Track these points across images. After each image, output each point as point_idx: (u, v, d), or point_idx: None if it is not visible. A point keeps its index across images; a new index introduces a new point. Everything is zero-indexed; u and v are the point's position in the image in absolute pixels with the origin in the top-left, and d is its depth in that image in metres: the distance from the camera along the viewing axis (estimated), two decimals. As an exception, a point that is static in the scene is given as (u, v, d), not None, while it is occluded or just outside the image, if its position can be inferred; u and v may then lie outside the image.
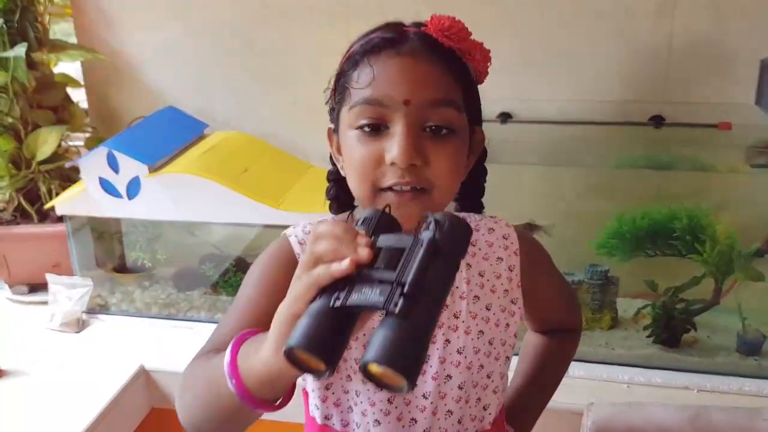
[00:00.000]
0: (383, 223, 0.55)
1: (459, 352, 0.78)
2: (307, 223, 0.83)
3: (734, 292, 1.40)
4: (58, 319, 1.50)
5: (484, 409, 0.82)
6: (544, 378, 0.95)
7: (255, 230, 1.57)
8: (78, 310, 1.51)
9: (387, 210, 0.56)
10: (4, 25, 1.54)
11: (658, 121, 1.51)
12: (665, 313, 1.37)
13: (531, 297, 0.83)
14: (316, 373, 0.51)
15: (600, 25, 1.48)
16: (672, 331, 1.37)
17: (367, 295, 0.49)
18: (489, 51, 0.74)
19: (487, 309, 0.79)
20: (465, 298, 0.79)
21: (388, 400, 0.77)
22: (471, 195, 0.83)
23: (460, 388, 0.79)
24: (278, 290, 0.64)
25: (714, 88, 1.49)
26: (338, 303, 0.50)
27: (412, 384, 0.47)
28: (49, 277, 1.52)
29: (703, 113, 1.48)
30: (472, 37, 0.73)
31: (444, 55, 0.71)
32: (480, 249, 0.80)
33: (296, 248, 0.79)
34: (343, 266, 0.51)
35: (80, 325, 1.51)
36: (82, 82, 1.76)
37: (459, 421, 0.81)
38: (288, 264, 0.77)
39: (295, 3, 1.62)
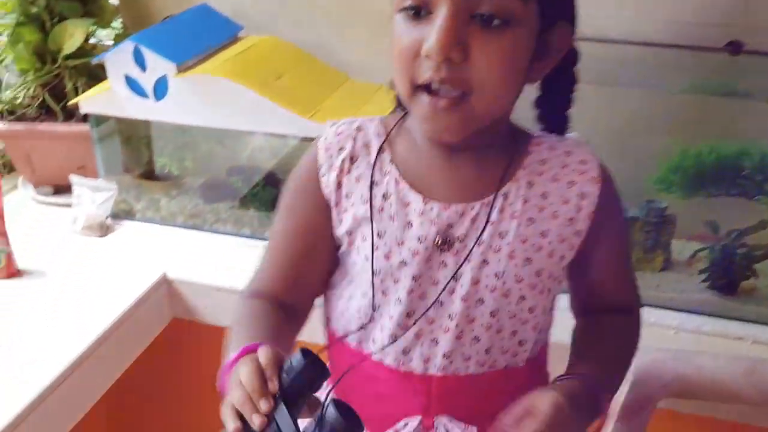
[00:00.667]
0: (305, 377, 0.57)
1: (497, 277, 0.70)
2: (346, 121, 0.75)
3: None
4: (81, 222, 1.45)
5: (520, 344, 0.74)
6: (594, 351, 0.79)
7: (287, 144, 1.49)
8: (102, 214, 1.46)
9: (311, 361, 0.58)
10: None
11: (735, 47, 1.36)
12: (725, 257, 1.26)
13: (591, 247, 0.73)
14: None
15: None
16: (730, 277, 1.27)
17: None
18: None
19: (542, 236, 0.69)
20: (517, 218, 0.69)
21: (407, 314, 0.71)
22: (550, 109, 0.73)
23: (492, 315, 0.71)
24: (304, 217, 0.73)
25: (805, 12, 1.33)
26: None
27: None
28: (74, 179, 1.47)
29: (790, 41, 1.32)
30: None
31: None
32: (550, 168, 0.70)
33: (321, 157, 0.72)
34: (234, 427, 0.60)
35: (104, 230, 1.46)
36: (113, -24, 1.66)
37: (486, 351, 0.73)
38: (310, 181, 0.72)
39: None
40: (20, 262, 1.32)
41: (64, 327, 1.17)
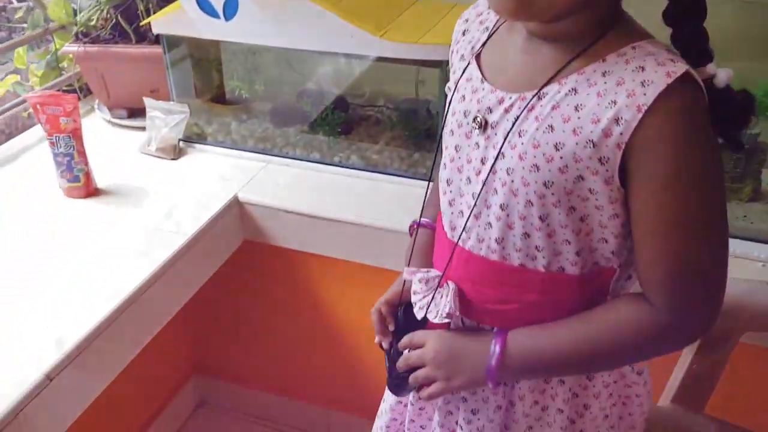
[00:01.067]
0: (404, 327, 0.86)
1: (507, 173, 0.69)
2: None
3: None
4: (154, 144, 1.47)
5: (537, 249, 0.71)
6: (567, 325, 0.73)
7: (358, 67, 1.46)
8: (174, 137, 1.48)
9: (407, 318, 0.86)
10: None
11: None
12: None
13: (631, 193, 0.64)
14: None
15: None
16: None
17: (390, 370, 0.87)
18: None
19: (555, 147, 0.65)
20: (539, 121, 0.66)
21: (447, 181, 0.78)
22: (671, 17, 0.65)
23: (501, 208, 0.71)
24: None
25: None
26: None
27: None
28: (147, 101, 1.49)
29: None
30: None
31: None
32: (607, 81, 0.63)
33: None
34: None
35: (176, 152, 1.48)
36: None
37: (498, 241, 0.73)
38: None
39: None
40: (99, 182, 1.36)
41: (140, 245, 1.20)
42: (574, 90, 0.65)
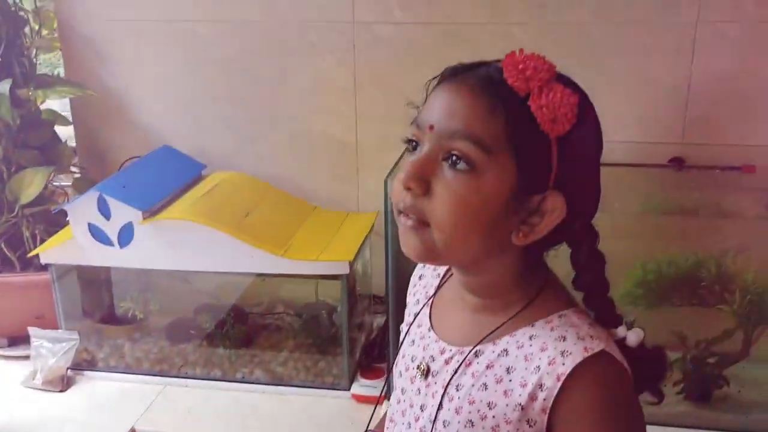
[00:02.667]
0: None
1: (444, 425, 0.71)
2: None
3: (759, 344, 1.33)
4: (40, 377, 1.38)
5: None
6: None
7: (252, 277, 1.48)
8: (63, 366, 1.40)
9: None
10: (-12, 61, 1.45)
11: (678, 163, 1.45)
12: (696, 367, 1.29)
13: None
14: None
15: (618, 64, 1.42)
16: (704, 387, 1.29)
17: None
18: (576, 99, 0.63)
19: (488, 407, 0.68)
20: (475, 377, 0.69)
21: (391, 419, 0.80)
22: (582, 289, 0.70)
23: None
24: None
25: (736, 129, 1.44)
26: None
27: None
28: (32, 331, 1.41)
29: (726, 155, 1.42)
30: (556, 81, 0.64)
31: (498, 92, 0.63)
32: (532, 346, 0.67)
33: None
34: None
35: (65, 383, 1.39)
36: (71, 119, 1.66)
37: None
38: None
39: (296, 38, 1.54)
40: (-24, 428, 1.24)
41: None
42: (506, 351, 0.68)
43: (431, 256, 0.68)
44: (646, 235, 1.43)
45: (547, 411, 0.65)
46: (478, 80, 0.65)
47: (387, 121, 1.54)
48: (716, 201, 1.42)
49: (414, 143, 0.67)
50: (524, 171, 0.64)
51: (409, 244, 0.68)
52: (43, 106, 1.59)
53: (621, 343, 0.69)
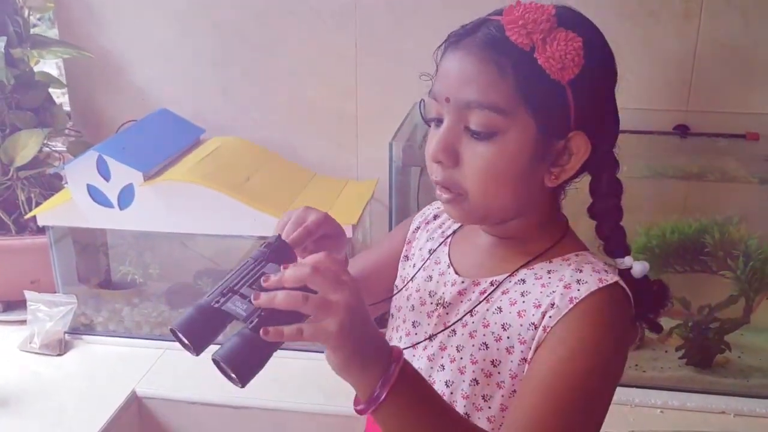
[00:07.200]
0: (276, 249, 0.70)
1: (457, 349, 0.73)
2: None
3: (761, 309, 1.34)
4: (37, 341, 1.36)
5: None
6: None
7: (251, 241, 1.46)
8: (60, 330, 1.38)
9: (277, 241, 0.72)
10: (-20, 18, 1.41)
11: (683, 130, 1.45)
12: (698, 332, 1.30)
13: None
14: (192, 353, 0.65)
15: (623, 30, 1.41)
16: (705, 352, 1.30)
17: (238, 307, 0.61)
18: (580, 42, 0.64)
19: (503, 328, 0.70)
20: (490, 302, 0.71)
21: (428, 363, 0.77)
22: (596, 217, 0.72)
23: (446, 385, 0.73)
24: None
25: (741, 97, 1.44)
26: (216, 305, 0.63)
27: (243, 385, 0.59)
28: (29, 295, 1.39)
29: (730, 123, 1.42)
30: (557, 27, 0.65)
31: (504, 51, 0.65)
32: (548, 273, 0.70)
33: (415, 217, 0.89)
34: None
35: (62, 347, 1.37)
36: (66, 82, 1.63)
37: None
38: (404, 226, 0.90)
39: (296, 1, 1.51)
40: (-27, 390, 1.22)
41: (29, 462, 1.08)
42: (522, 280, 0.71)
43: (474, 219, 0.73)
44: (650, 201, 1.42)
45: (548, 329, 0.67)
46: (483, 43, 0.65)
47: (388, 86, 1.52)
48: (720, 167, 1.41)
49: (436, 120, 0.69)
50: (543, 122, 0.66)
51: (450, 213, 0.72)
52: (36, 68, 1.55)
53: (626, 273, 0.71)
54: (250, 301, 0.60)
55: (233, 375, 0.58)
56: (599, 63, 0.67)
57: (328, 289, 0.58)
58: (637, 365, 1.32)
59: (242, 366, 0.58)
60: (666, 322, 1.38)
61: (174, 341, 0.67)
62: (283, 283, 0.59)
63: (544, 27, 0.64)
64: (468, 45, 0.66)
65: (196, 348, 0.64)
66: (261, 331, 0.57)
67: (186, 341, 0.64)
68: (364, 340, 0.59)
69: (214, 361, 0.59)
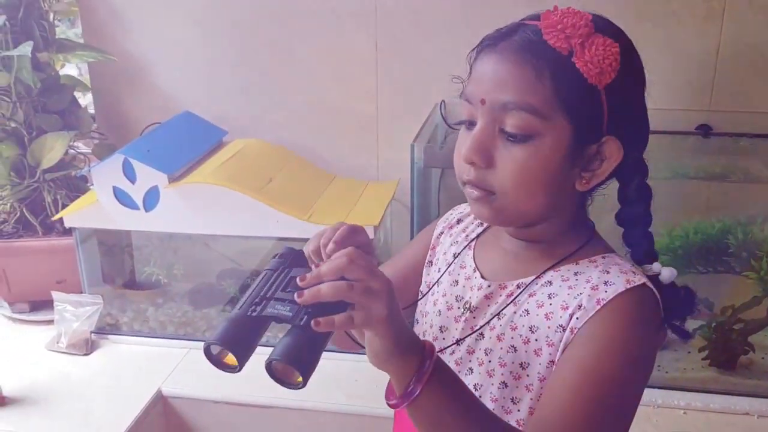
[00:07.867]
0: (294, 259, 0.69)
1: (485, 353, 0.73)
2: None
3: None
4: (64, 340, 1.38)
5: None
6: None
7: (272, 242, 1.48)
8: (86, 330, 1.40)
9: (290, 251, 0.71)
10: (7, 23, 1.43)
11: (705, 130, 1.44)
12: (722, 333, 1.29)
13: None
14: (230, 370, 0.62)
15: (646, 30, 1.41)
16: (729, 353, 1.29)
17: (280, 310, 0.61)
18: (617, 48, 0.64)
19: (531, 330, 0.70)
20: (517, 304, 0.71)
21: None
22: (624, 223, 0.73)
23: (475, 389, 0.73)
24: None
25: (764, 96, 1.43)
26: (253, 314, 0.61)
27: (305, 381, 0.59)
28: (56, 295, 1.41)
29: (753, 123, 1.41)
30: (594, 33, 0.65)
31: (542, 55, 0.65)
32: (575, 275, 0.70)
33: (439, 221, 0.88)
34: None
35: (89, 347, 1.39)
36: (90, 85, 1.65)
37: None
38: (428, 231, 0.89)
39: (317, 2, 1.52)
40: (3, 387, 1.24)
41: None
42: (549, 282, 0.71)
43: (501, 220, 0.72)
44: (672, 202, 1.42)
45: (575, 331, 0.67)
46: (520, 46, 0.65)
47: (408, 87, 1.53)
48: (743, 168, 1.41)
49: (469, 122, 0.69)
50: (578, 126, 0.66)
51: (478, 212, 0.71)
52: (62, 72, 1.58)
53: (654, 279, 0.71)
54: (290, 302, 0.60)
55: (297, 372, 0.58)
56: (633, 69, 0.67)
57: (367, 277, 0.59)
58: (659, 366, 1.32)
59: (303, 362, 0.58)
60: (689, 323, 1.38)
61: (200, 341, 0.67)
62: (321, 277, 0.60)
63: (583, 32, 0.65)
64: (505, 48, 0.66)
65: (240, 357, 0.61)
66: (312, 323, 0.57)
67: (228, 352, 0.61)
68: (402, 330, 0.60)
69: (268, 367, 0.59)
